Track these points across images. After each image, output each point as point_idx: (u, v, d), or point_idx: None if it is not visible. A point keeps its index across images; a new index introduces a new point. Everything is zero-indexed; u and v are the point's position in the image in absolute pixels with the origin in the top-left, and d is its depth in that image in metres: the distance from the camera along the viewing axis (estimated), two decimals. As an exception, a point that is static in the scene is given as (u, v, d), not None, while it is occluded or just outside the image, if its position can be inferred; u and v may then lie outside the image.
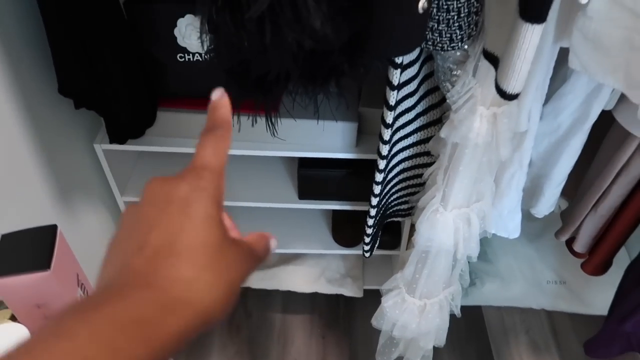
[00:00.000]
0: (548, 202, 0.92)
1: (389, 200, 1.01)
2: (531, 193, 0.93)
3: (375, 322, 1.05)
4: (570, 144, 0.83)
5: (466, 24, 0.63)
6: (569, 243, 1.00)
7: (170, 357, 0.25)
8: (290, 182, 1.13)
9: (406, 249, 1.18)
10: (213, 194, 0.29)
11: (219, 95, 0.35)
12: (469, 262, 0.98)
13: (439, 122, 0.88)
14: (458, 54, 0.70)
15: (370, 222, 1.00)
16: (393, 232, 1.22)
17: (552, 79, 0.75)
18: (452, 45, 0.65)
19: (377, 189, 0.92)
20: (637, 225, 0.90)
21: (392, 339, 1.07)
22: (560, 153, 0.85)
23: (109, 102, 0.87)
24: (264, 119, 0.77)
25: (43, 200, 0.90)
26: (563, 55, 0.65)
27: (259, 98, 0.69)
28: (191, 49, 0.87)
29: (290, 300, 1.43)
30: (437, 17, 0.62)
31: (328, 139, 0.98)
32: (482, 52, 0.65)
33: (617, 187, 0.85)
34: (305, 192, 1.09)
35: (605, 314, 0.97)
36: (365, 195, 0.97)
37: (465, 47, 0.67)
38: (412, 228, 0.92)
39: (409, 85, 0.79)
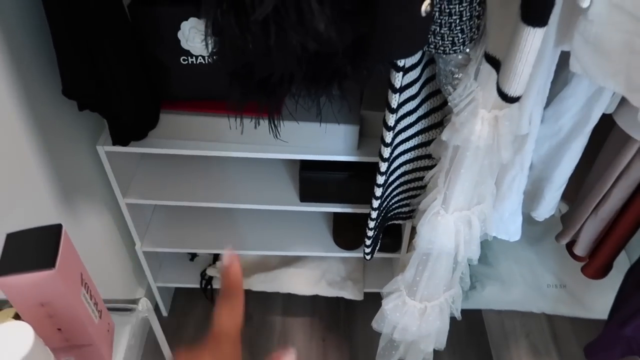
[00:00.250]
0: (549, 205, 0.93)
1: (390, 203, 1.02)
2: (532, 196, 0.93)
3: (375, 324, 1.05)
4: (571, 147, 0.83)
5: (468, 28, 0.63)
6: (569, 246, 1.00)
7: None
8: (292, 184, 1.13)
9: (407, 252, 1.18)
10: (231, 356, 0.35)
11: (229, 261, 0.39)
12: (469, 265, 0.98)
13: (440, 125, 0.88)
14: (460, 57, 0.70)
15: (372, 224, 1.00)
16: (394, 235, 1.22)
17: (554, 82, 0.75)
18: (454, 48, 0.66)
19: (378, 192, 0.92)
20: (637, 229, 0.91)
21: (393, 342, 1.07)
22: (561, 156, 0.85)
23: (112, 104, 0.87)
24: (266, 121, 0.77)
25: (46, 202, 0.91)
26: (564, 59, 0.66)
27: (262, 100, 0.70)
28: (194, 52, 0.88)
29: (291, 303, 1.43)
30: (439, 21, 0.63)
31: (330, 142, 0.98)
32: (483, 56, 0.65)
33: (618, 190, 0.85)
34: (307, 194, 1.09)
35: (606, 318, 0.97)
36: (366, 198, 0.97)
37: (467, 50, 0.68)
38: (413, 231, 0.92)
39: (410, 88, 0.79)
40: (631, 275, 0.95)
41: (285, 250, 1.23)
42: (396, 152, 0.90)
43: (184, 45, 0.86)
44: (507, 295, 1.41)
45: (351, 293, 1.35)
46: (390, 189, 0.97)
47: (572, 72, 0.68)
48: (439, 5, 0.61)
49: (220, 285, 0.38)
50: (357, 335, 1.39)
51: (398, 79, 0.73)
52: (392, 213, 1.05)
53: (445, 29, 0.63)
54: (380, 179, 0.90)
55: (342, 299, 1.36)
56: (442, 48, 0.66)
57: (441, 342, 1.05)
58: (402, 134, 0.87)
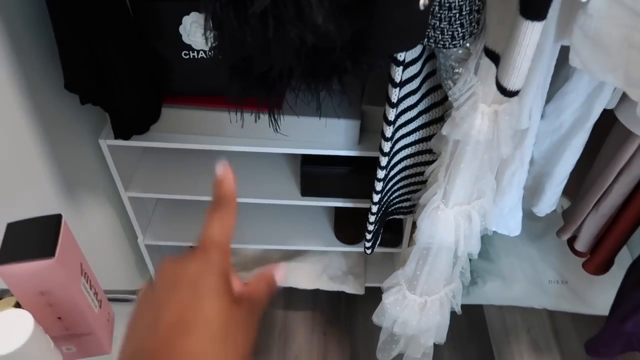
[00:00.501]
0: (550, 200, 0.93)
1: (391, 198, 1.02)
2: (533, 192, 0.93)
3: (376, 318, 1.05)
4: (572, 143, 0.83)
5: (468, 22, 0.63)
6: (571, 242, 1.00)
7: None
8: (293, 179, 1.14)
9: (408, 247, 1.18)
10: (219, 268, 0.32)
11: (222, 171, 0.36)
12: (470, 260, 0.98)
13: (441, 120, 0.88)
14: (460, 51, 0.70)
15: (372, 219, 1.01)
16: (395, 230, 1.22)
17: (555, 78, 0.75)
18: (453, 43, 0.66)
19: (378, 186, 0.92)
20: (638, 225, 0.91)
21: (393, 336, 1.08)
22: (562, 152, 0.85)
23: (114, 98, 0.88)
24: (267, 116, 0.77)
25: (48, 195, 0.91)
26: (565, 55, 0.66)
27: (262, 95, 0.70)
28: (196, 47, 0.88)
29: (292, 297, 1.44)
30: (439, 15, 0.63)
31: (331, 136, 0.98)
32: (483, 50, 0.65)
33: (619, 186, 0.85)
34: (308, 189, 1.10)
35: (607, 314, 0.97)
36: (367, 192, 0.97)
37: (467, 45, 0.68)
38: (414, 226, 0.93)
39: (411, 83, 0.79)
40: (633, 271, 0.94)
41: (287, 244, 1.24)
42: (397, 147, 0.90)
43: (186, 39, 0.87)
44: (509, 291, 1.41)
45: (352, 287, 1.36)
46: (391, 183, 0.97)
47: (573, 68, 0.68)
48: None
49: (212, 196, 0.36)
50: (357, 329, 1.39)
51: (398, 74, 0.74)
52: (393, 208, 1.06)
53: (445, 23, 0.63)
54: (381, 173, 0.90)
55: (343, 293, 1.36)
56: (441, 42, 0.66)
57: (441, 337, 1.06)
58: (403, 128, 0.87)
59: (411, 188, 1.00)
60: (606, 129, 0.84)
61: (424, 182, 0.95)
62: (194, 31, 0.86)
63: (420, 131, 0.90)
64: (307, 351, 1.35)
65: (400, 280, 1.00)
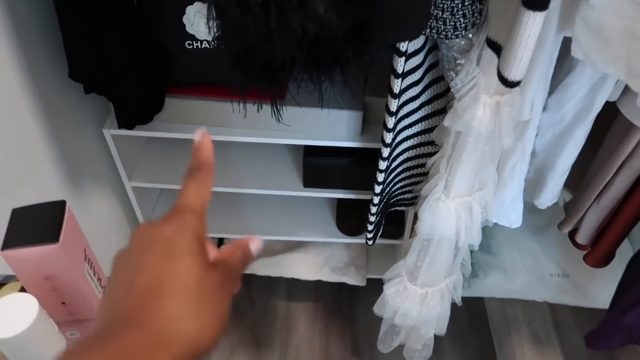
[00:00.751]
0: (551, 193, 0.93)
1: (393, 189, 1.02)
2: (534, 184, 0.93)
3: (377, 309, 1.06)
4: (574, 135, 0.83)
5: (470, 12, 0.63)
6: (572, 234, 1.00)
7: None
8: (296, 170, 1.14)
9: (409, 238, 1.19)
10: (194, 231, 0.32)
11: (200, 136, 0.36)
12: (471, 252, 0.99)
13: (443, 111, 0.88)
14: (462, 42, 0.70)
15: (374, 210, 1.01)
16: (397, 222, 1.22)
17: (557, 70, 0.75)
18: (456, 33, 0.66)
19: (380, 177, 0.93)
20: (640, 218, 0.91)
21: (394, 327, 1.08)
22: (564, 144, 0.85)
23: (118, 88, 0.88)
24: (269, 106, 0.78)
25: (52, 184, 0.92)
26: (568, 46, 0.66)
27: (265, 85, 0.70)
28: (199, 37, 0.88)
29: (294, 288, 1.45)
30: (441, 5, 0.63)
31: (334, 127, 0.99)
32: (485, 41, 0.65)
33: (621, 178, 0.85)
34: (310, 180, 1.10)
35: (608, 307, 0.97)
36: (370, 184, 0.98)
37: (470, 35, 0.68)
38: (416, 217, 0.93)
39: (413, 74, 0.79)
40: (634, 264, 0.95)
41: (289, 235, 1.25)
42: (399, 138, 0.90)
43: (189, 29, 0.87)
44: (510, 284, 1.42)
45: (354, 279, 1.36)
46: (393, 175, 0.98)
47: (575, 60, 0.68)
48: (440, -11, 0.61)
49: (190, 160, 0.36)
50: (359, 320, 1.40)
51: (400, 64, 0.74)
52: (394, 199, 1.06)
53: (447, 13, 0.64)
54: (382, 164, 0.90)
55: (344, 284, 1.37)
56: (444, 33, 0.66)
57: (442, 328, 1.06)
58: (405, 119, 0.88)
59: (413, 180, 1.01)
60: (608, 122, 0.84)
61: (425, 173, 0.95)
62: (198, 21, 0.86)
63: (423, 123, 0.90)
64: (309, 342, 1.36)
65: (401, 272, 1.00)
